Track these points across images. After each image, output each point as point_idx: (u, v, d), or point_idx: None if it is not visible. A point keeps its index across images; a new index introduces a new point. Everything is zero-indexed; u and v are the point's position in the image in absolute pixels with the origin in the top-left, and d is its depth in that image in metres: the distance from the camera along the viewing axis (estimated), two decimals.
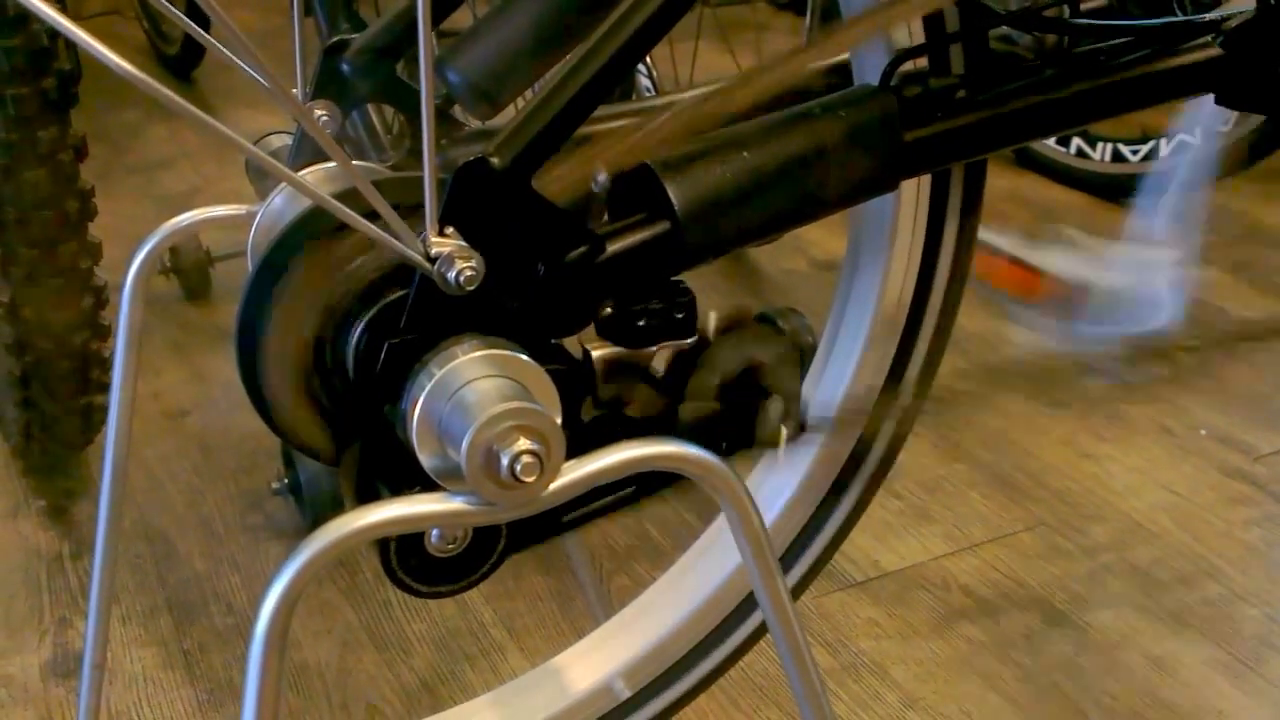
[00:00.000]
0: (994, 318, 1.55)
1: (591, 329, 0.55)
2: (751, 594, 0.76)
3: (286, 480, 1.16)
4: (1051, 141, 1.93)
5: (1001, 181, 1.94)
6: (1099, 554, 1.14)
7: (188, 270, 1.61)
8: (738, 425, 0.56)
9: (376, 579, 1.12)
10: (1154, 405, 1.36)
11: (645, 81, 1.68)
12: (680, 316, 0.55)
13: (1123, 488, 1.23)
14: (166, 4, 0.57)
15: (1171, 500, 1.21)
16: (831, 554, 0.78)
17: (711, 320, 0.57)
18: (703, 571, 0.77)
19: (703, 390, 0.56)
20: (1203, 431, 1.32)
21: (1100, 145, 1.89)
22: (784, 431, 0.56)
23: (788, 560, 0.77)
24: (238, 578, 1.13)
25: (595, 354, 0.55)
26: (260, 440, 1.31)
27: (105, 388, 1.15)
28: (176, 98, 0.41)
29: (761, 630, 0.78)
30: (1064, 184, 1.95)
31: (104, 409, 1.17)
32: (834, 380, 0.72)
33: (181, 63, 2.54)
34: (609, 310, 0.55)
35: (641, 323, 0.55)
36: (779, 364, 0.57)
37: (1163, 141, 1.80)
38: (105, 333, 1.12)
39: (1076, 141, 1.92)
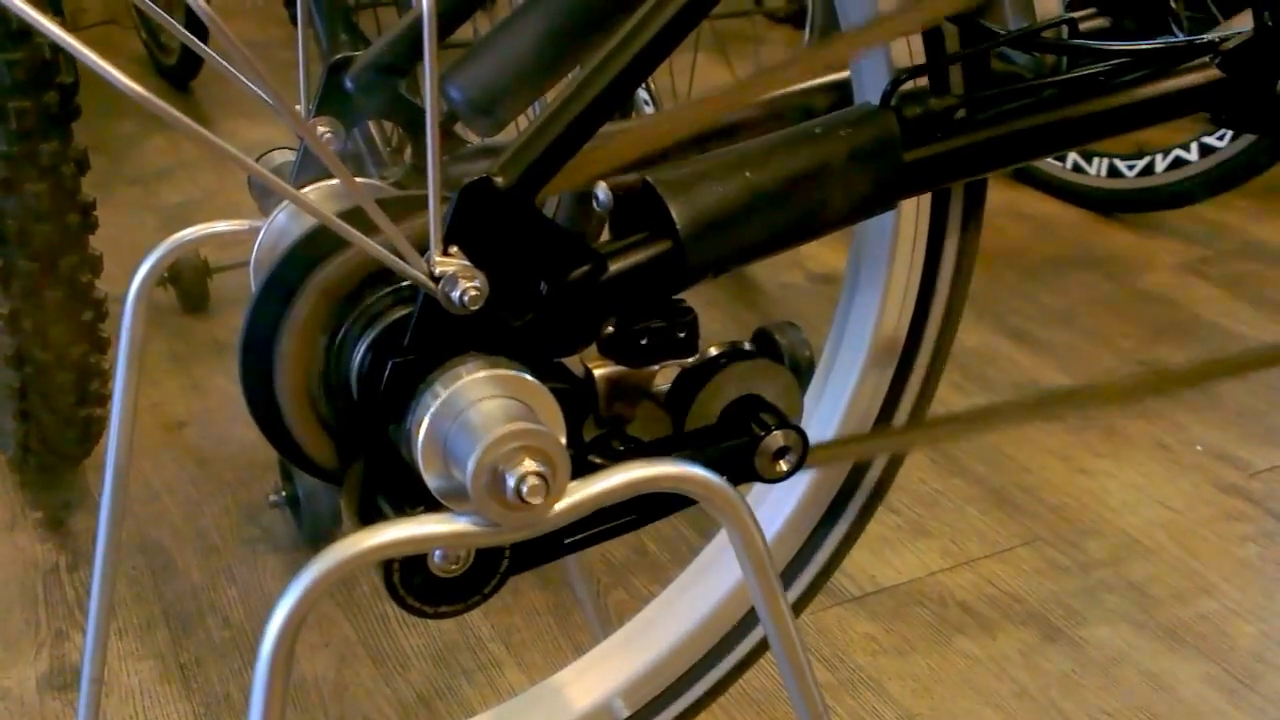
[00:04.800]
0: (990, 333, 1.56)
1: (593, 347, 0.56)
2: (751, 611, 0.76)
3: (284, 493, 1.16)
4: (1048, 157, 1.94)
5: (998, 196, 1.94)
6: (1095, 570, 1.14)
7: (186, 282, 1.61)
8: (738, 460, 0.56)
9: (374, 593, 1.12)
10: (1150, 421, 1.36)
11: (644, 95, 1.69)
12: (682, 335, 0.55)
13: (1119, 503, 1.23)
14: (171, 20, 0.57)
15: (1167, 516, 1.21)
16: (831, 571, 0.78)
17: (712, 353, 0.57)
18: (702, 589, 0.77)
19: (704, 422, 0.57)
20: (1198, 447, 1.32)
21: (1096, 160, 1.89)
22: (783, 467, 0.56)
23: (787, 578, 0.77)
24: (235, 591, 1.13)
25: (597, 373, 0.55)
26: (258, 452, 1.31)
27: (104, 400, 1.15)
28: (183, 117, 0.42)
29: (761, 648, 0.78)
30: (1060, 199, 1.95)
31: (102, 421, 1.17)
32: (833, 399, 0.72)
33: (179, 73, 2.55)
34: (611, 329, 0.55)
35: (644, 341, 0.55)
36: (781, 398, 0.57)
37: (1158, 157, 1.81)
38: (105, 345, 1.12)
39: (1072, 157, 1.92)
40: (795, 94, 0.72)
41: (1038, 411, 1.00)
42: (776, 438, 0.56)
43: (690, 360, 0.57)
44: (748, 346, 0.58)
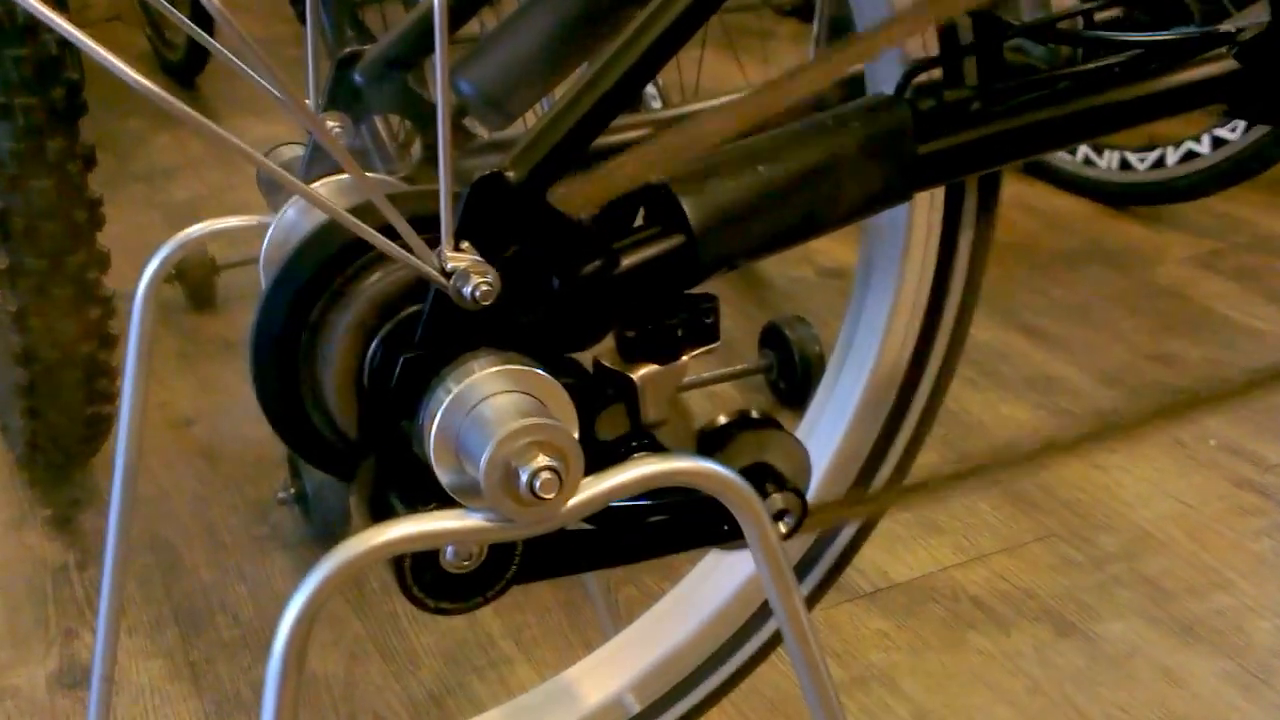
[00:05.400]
0: (1002, 328, 1.55)
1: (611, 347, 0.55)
2: (763, 607, 0.76)
3: (293, 490, 1.16)
4: None
5: (1008, 189, 1.93)
6: (1109, 565, 1.13)
7: (193, 279, 1.61)
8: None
9: (384, 590, 1.11)
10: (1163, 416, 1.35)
11: (651, 90, 1.68)
12: (709, 321, 0.55)
13: (1132, 498, 1.23)
14: (179, 15, 0.57)
15: (1181, 511, 1.21)
16: (843, 567, 0.78)
17: (721, 421, 0.57)
18: (715, 584, 0.76)
19: None
20: (1212, 442, 1.31)
21: (1107, 153, 1.88)
22: (781, 528, 0.56)
23: (800, 573, 0.77)
24: (244, 588, 1.13)
25: (637, 376, 0.54)
26: (266, 449, 1.31)
27: (111, 397, 1.15)
28: (193, 111, 0.41)
29: (772, 644, 0.78)
30: (1071, 192, 1.95)
31: (110, 419, 1.17)
32: (846, 394, 0.72)
33: (185, 70, 2.55)
34: (638, 331, 0.54)
35: (680, 333, 0.55)
36: (788, 468, 0.57)
37: (1169, 149, 1.80)
38: (112, 342, 1.12)
39: (1083, 150, 1.91)
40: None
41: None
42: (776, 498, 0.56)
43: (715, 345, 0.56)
44: (755, 415, 0.58)
